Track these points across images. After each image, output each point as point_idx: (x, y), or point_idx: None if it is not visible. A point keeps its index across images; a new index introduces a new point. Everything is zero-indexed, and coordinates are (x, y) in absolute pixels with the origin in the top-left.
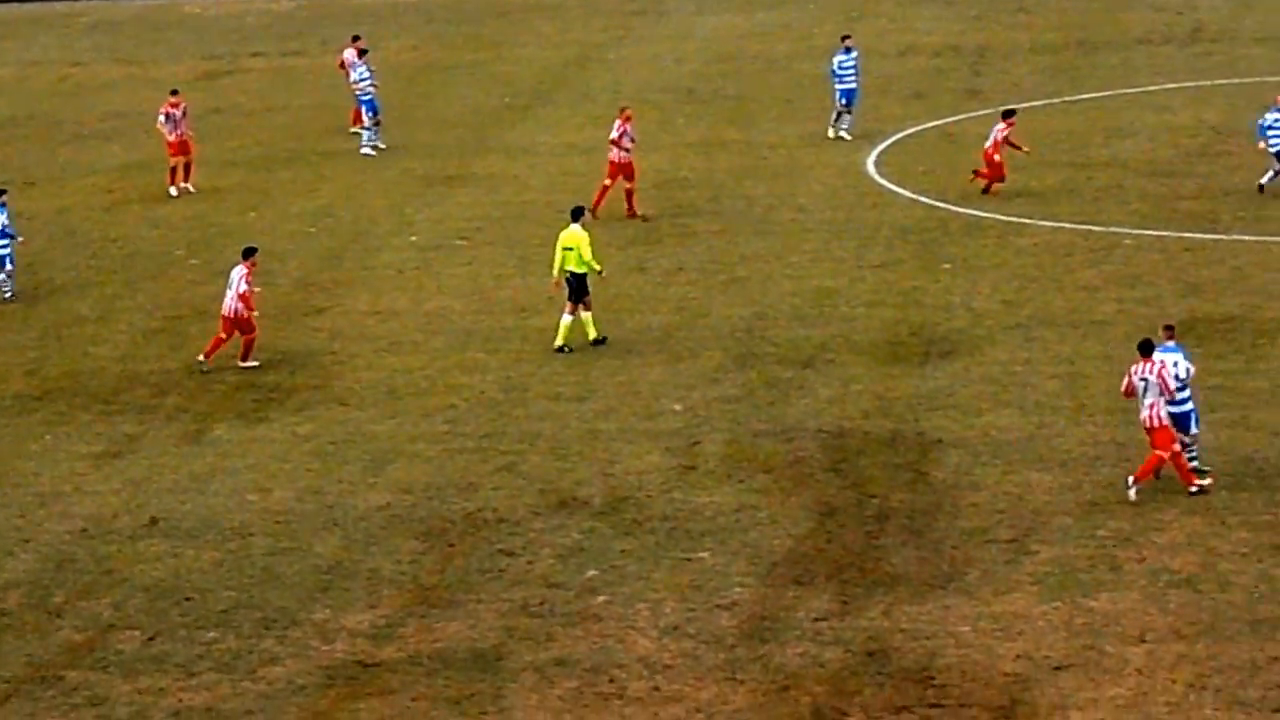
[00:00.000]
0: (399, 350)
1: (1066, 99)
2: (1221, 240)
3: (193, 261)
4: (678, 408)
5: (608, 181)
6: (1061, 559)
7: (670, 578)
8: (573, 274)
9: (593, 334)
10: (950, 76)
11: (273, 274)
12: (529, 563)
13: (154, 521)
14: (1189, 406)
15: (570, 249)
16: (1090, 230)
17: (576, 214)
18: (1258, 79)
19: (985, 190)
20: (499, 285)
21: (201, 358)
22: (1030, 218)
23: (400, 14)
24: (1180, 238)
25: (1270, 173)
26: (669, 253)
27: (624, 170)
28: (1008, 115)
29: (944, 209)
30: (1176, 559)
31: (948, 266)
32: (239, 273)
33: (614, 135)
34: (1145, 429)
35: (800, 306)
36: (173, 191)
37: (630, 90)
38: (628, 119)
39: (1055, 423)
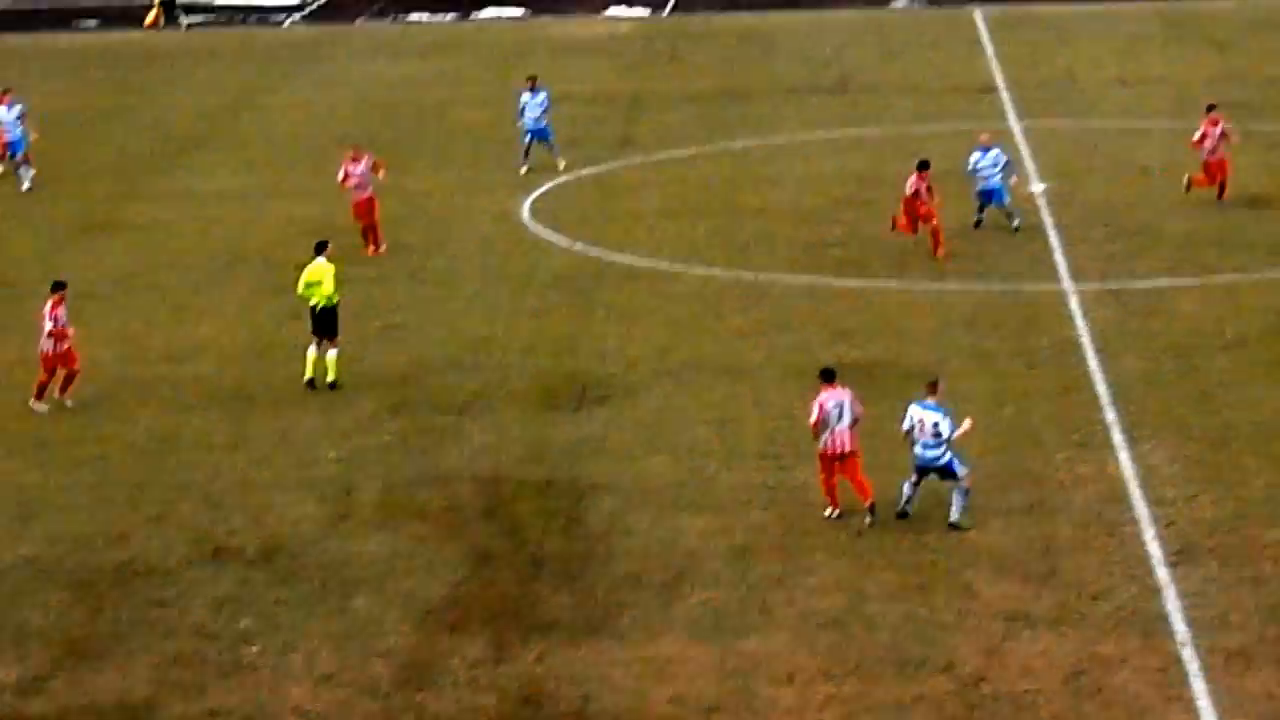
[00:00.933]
0: (47, 399)
1: (717, 147)
2: (868, 286)
3: None
4: (333, 456)
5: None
6: (713, 602)
7: (325, 626)
8: (322, 308)
9: (333, 376)
10: (604, 124)
11: None
12: (181, 613)
13: None
14: (947, 457)
15: (317, 283)
16: (741, 277)
17: (321, 247)
18: (902, 128)
19: (935, 251)
20: (149, 333)
21: (33, 402)
22: (683, 265)
23: (47, 58)
24: (828, 284)
25: (978, 214)
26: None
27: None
28: (922, 168)
29: (598, 256)
30: (825, 600)
31: (602, 313)
32: (48, 307)
33: (339, 178)
34: (830, 455)
35: (456, 354)
36: None
37: (284, 137)
38: (355, 159)
39: (707, 467)
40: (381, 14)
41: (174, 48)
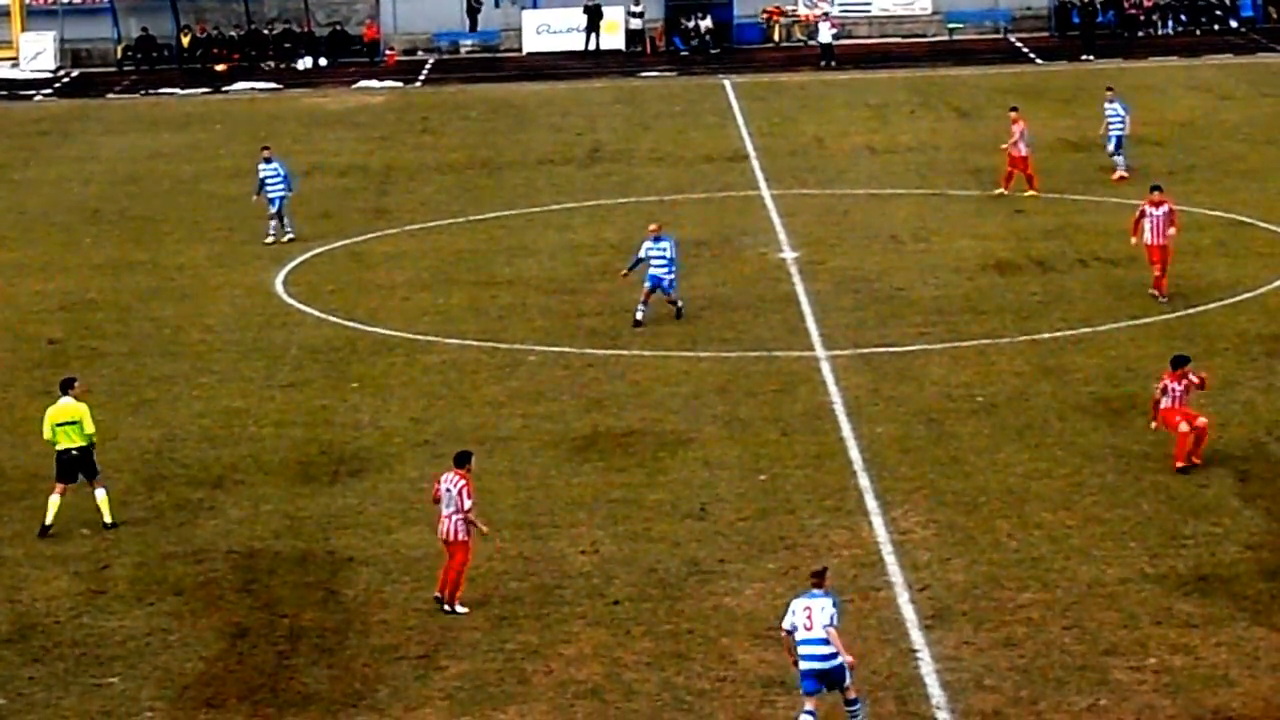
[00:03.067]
0: None
1: (471, 218)
2: (622, 356)
3: None
4: (86, 532)
5: None
6: (471, 673)
7: (80, 705)
8: (80, 451)
9: (110, 517)
10: (358, 196)
11: None
12: None
13: None
14: (838, 660)
15: (73, 423)
16: (495, 347)
17: (67, 385)
18: (654, 197)
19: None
20: None
21: None
22: (437, 335)
23: None
24: (582, 354)
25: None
26: (76, 375)
27: None
28: None
29: (353, 328)
30: (583, 670)
31: (356, 385)
32: None
33: None
34: (444, 541)
35: (209, 427)
36: None
37: (36, 211)
38: None
39: None
40: (133, 88)
41: None
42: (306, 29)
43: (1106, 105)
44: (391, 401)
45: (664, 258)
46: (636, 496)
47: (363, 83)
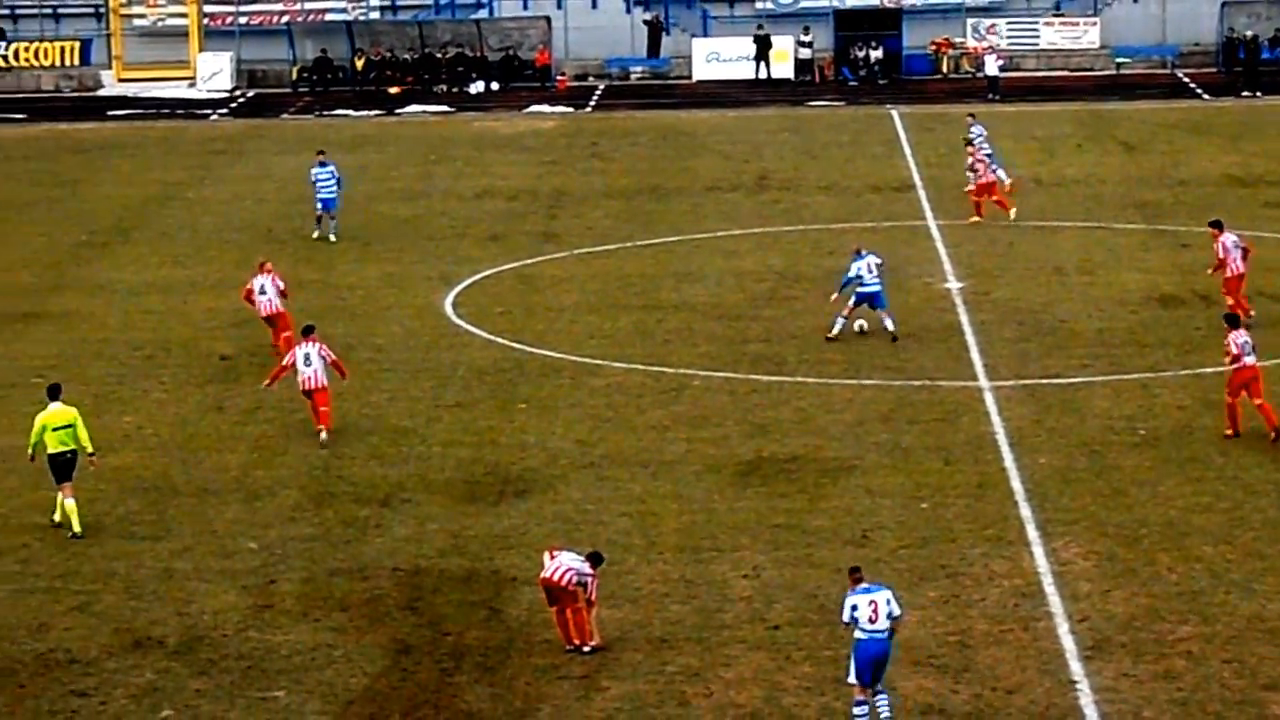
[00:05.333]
0: None
1: (639, 243)
2: (786, 382)
3: None
4: (254, 546)
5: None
6: (632, 695)
7: (245, 718)
8: (69, 453)
9: (78, 527)
10: (527, 219)
11: None
12: (102, 704)
13: None
14: (889, 653)
15: (67, 426)
16: (661, 372)
17: (55, 391)
18: (820, 226)
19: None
20: None
21: None
22: (603, 359)
23: None
24: (747, 379)
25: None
26: (247, 391)
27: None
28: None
29: (520, 350)
30: (743, 694)
31: (523, 406)
32: None
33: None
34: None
35: (378, 445)
36: None
37: (209, 229)
38: (267, 271)
39: (626, 560)
40: (306, 110)
41: (101, 141)
42: (479, 53)
43: None
44: (557, 423)
45: (872, 275)
46: (798, 522)
47: (534, 107)
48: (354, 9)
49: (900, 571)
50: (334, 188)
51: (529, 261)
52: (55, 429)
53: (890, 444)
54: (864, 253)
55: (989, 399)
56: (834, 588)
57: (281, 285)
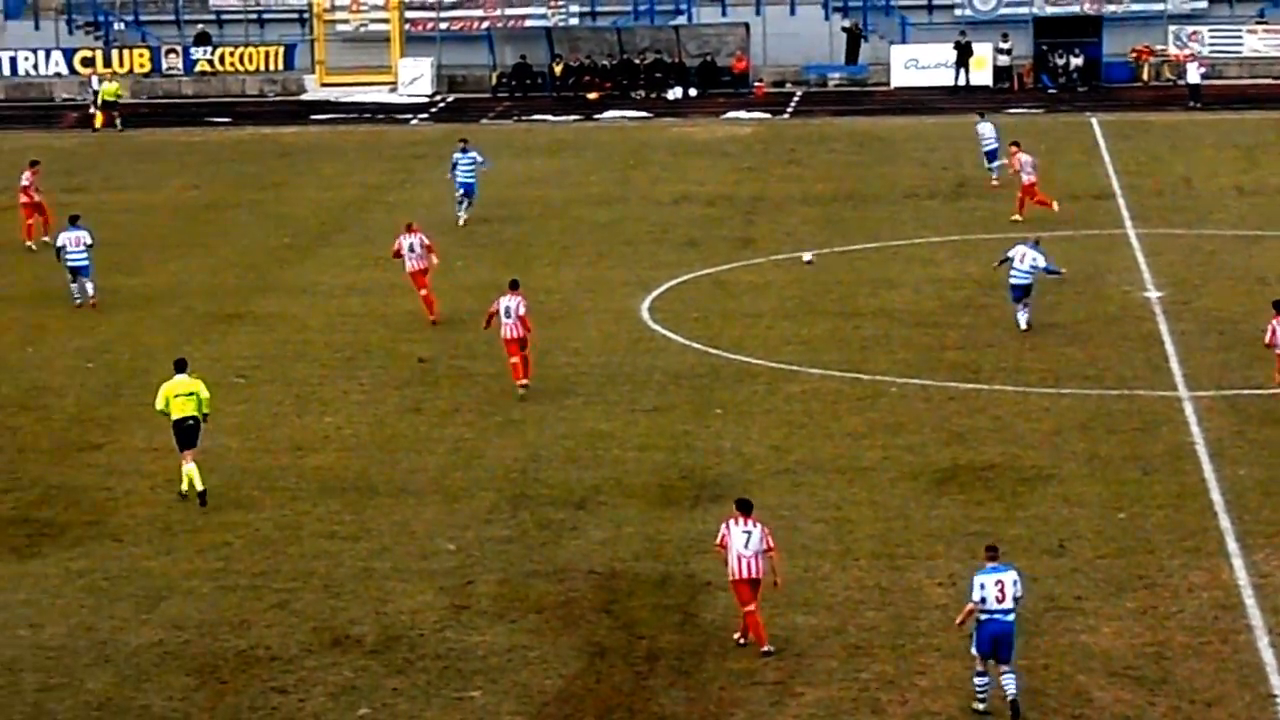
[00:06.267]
0: (174, 487)
1: (836, 249)
2: (983, 390)
3: None
4: (451, 547)
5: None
6: (826, 701)
7: (441, 717)
8: (190, 419)
9: (201, 485)
10: (724, 225)
11: (48, 410)
12: (301, 700)
13: None
14: (1013, 631)
15: (190, 395)
16: (857, 378)
17: (181, 365)
18: (1019, 234)
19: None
20: (276, 424)
21: None
22: (799, 365)
23: (182, 153)
24: (944, 387)
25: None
26: (445, 394)
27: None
28: None
29: (716, 355)
30: (938, 702)
31: (719, 412)
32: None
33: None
34: (740, 580)
35: (574, 449)
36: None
37: None
38: (414, 232)
39: (821, 566)
40: (506, 114)
41: (303, 144)
42: (677, 60)
43: None
44: (753, 429)
45: (1023, 265)
46: (995, 530)
47: (731, 113)
48: (554, 15)
49: (1097, 582)
50: (474, 173)
51: (725, 267)
52: (178, 396)
53: (1088, 453)
54: (1037, 243)
55: (1189, 409)
56: (1030, 597)
57: (428, 242)
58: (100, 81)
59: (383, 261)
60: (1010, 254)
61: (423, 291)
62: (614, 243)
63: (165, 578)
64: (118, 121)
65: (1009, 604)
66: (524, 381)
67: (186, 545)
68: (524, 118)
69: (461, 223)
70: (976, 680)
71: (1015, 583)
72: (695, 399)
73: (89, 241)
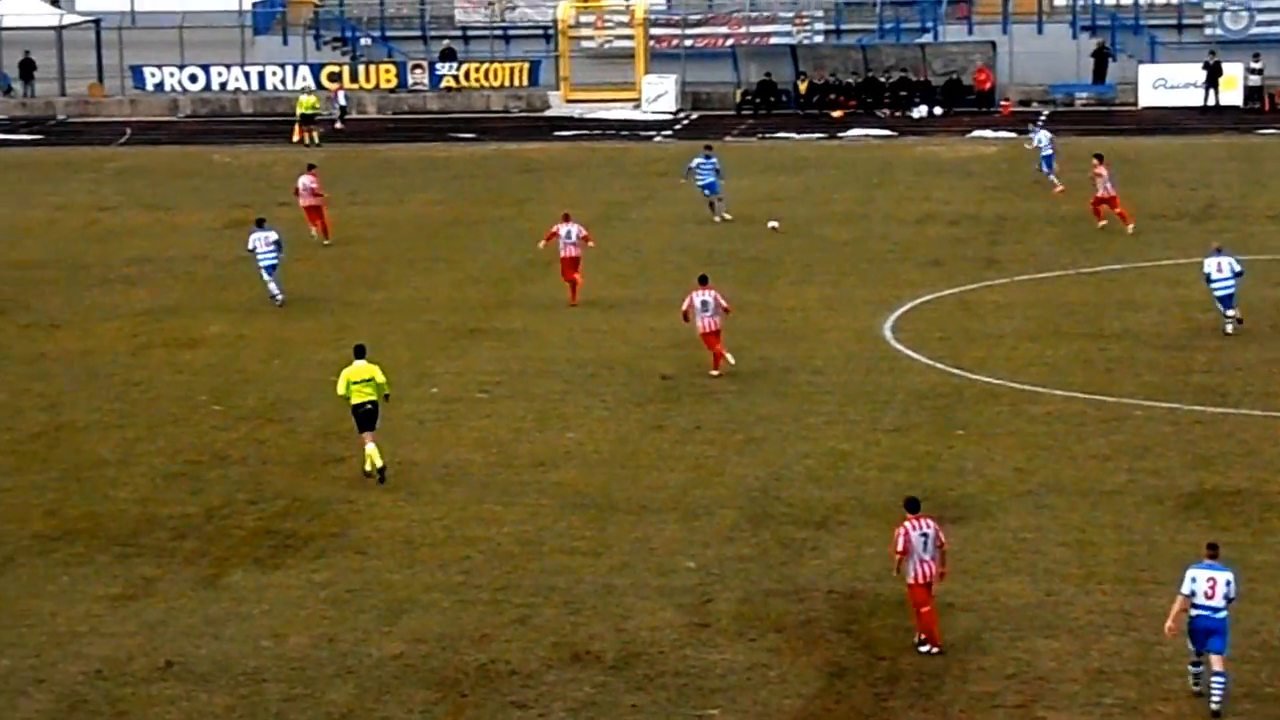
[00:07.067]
0: (417, 500)
1: (1081, 270)
2: (1231, 414)
3: (216, 408)
4: (691, 565)
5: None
6: None
7: None
8: (369, 404)
9: (381, 462)
10: (968, 245)
11: (294, 422)
12: (540, 716)
13: (168, 665)
14: (1224, 628)
15: (368, 380)
16: (1102, 401)
17: (360, 351)
18: (1269, 256)
19: None
20: (517, 439)
21: None
22: (1043, 387)
23: (427, 168)
24: (1190, 410)
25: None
26: (687, 411)
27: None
28: None
29: (959, 375)
30: None
31: (961, 433)
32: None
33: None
34: (916, 584)
35: (815, 468)
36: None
37: (652, 250)
38: (570, 221)
39: (1064, 590)
40: (750, 132)
41: (547, 160)
42: (923, 78)
43: None
44: (995, 450)
45: (1222, 274)
46: (1242, 557)
47: (977, 132)
48: (799, 33)
49: None
50: (713, 175)
51: (970, 287)
52: (356, 382)
53: None
54: (1222, 250)
55: None
56: (1278, 625)
57: (584, 233)
58: (308, 93)
59: (626, 278)
60: (1207, 269)
61: (574, 275)
62: (857, 261)
63: (407, 590)
64: (315, 136)
65: (1219, 601)
66: (716, 372)
67: (428, 559)
68: (767, 135)
69: (719, 220)
70: (1190, 668)
71: (1229, 582)
72: (937, 419)
73: (276, 238)
